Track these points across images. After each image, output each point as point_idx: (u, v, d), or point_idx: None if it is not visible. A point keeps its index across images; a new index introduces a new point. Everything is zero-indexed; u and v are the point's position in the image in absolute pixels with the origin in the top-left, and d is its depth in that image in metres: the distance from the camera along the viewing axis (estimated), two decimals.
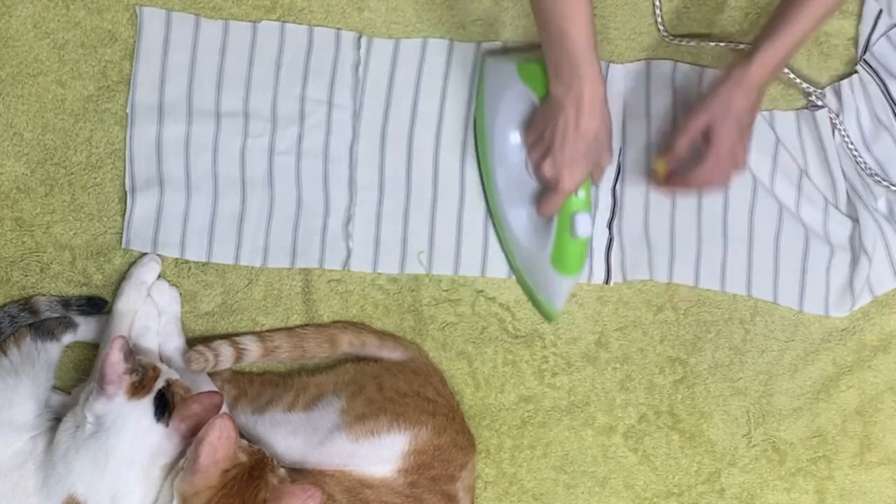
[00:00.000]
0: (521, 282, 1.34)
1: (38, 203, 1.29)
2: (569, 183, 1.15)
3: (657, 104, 1.37)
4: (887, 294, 1.38)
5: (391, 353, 1.29)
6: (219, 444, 1.04)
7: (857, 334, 1.38)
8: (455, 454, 1.21)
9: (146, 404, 1.09)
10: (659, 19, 1.37)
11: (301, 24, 1.33)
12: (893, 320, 1.38)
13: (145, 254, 1.29)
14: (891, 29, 1.40)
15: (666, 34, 1.37)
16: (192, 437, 1.08)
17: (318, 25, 1.33)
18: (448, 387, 1.31)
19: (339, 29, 1.33)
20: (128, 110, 1.30)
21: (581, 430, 1.34)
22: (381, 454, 1.17)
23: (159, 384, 1.11)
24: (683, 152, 1.26)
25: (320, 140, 1.34)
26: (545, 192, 1.20)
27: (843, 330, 1.38)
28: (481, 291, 1.34)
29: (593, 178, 1.20)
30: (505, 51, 1.35)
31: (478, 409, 1.33)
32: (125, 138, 1.30)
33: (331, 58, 1.33)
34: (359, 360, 1.29)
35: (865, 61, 1.40)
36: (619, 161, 1.36)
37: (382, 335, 1.31)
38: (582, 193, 1.18)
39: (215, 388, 1.24)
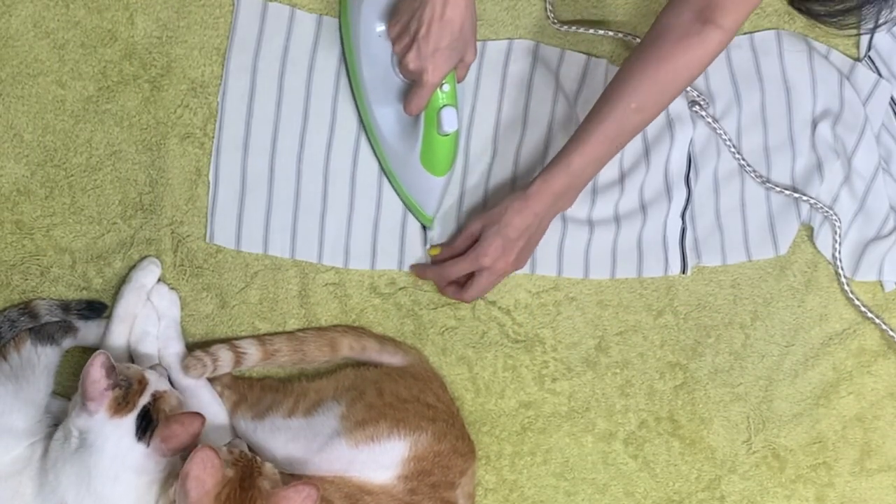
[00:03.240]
0: (395, 186, 1.33)
1: (38, 206, 1.28)
2: (433, 75, 1.15)
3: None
4: (888, 297, 1.38)
5: (391, 358, 1.29)
6: (205, 475, 1.03)
7: (857, 339, 1.38)
8: (455, 460, 1.21)
9: (128, 423, 1.08)
10: (548, 5, 1.37)
11: None
12: (893, 325, 1.38)
13: (146, 257, 1.29)
14: (894, 25, 1.40)
15: (554, 21, 1.37)
16: (173, 455, 1.08)
17: None
18: (448, 392, 1.30)
19: None
20: (218, 99, 1.31)
21: (581, 436, 1.34)
22: (380, 460, 1.16)
23: (144, 399, 1.10)
24: (459, 250, 1.29)
25: None
26: (411, 87, 1.19)
27: (843, 334, 1.38)
28: None
29: (458, 74, 1.21)
30: None
31: (478, 415, 1.33)
32: (214, 128, 1.30)
33: None
34: (359, 365, 1.28)
35: (869, 58, 1.40)
36: (689, 151, 1.37)
37: (383, 339, 1.30)
38: (447, 87, 1.18)
39: (214, 396, 1.23)
